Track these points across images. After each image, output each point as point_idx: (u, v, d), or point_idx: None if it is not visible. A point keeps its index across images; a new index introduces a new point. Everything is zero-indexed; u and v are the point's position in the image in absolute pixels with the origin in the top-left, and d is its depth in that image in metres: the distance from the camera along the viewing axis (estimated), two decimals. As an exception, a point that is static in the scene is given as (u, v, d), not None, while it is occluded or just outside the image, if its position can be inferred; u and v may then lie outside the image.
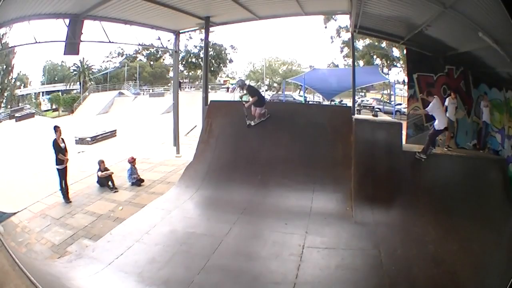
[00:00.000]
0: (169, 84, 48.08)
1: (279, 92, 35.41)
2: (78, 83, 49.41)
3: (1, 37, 16.40)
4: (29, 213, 12.92)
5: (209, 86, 29.01)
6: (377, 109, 28.91)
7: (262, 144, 13.75)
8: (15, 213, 12.74)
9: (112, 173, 15.55)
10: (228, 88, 43.44)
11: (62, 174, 13.93)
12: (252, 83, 37.02)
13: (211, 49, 46.28)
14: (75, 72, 49.99)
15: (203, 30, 20.09)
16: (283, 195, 12.26)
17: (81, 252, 10.08)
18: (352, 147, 12.59)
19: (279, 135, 13.68)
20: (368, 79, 25.77)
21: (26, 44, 15.84)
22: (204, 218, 11.94)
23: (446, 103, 13.68)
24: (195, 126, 23.16)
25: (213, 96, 33.34)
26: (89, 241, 10.89)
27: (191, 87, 46.69)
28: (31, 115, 39.62)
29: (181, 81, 46.91)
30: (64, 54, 16.06)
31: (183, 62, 49.88)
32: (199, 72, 48.70)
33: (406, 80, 17.51)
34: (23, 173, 18.08)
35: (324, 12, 23.90)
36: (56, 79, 50.51)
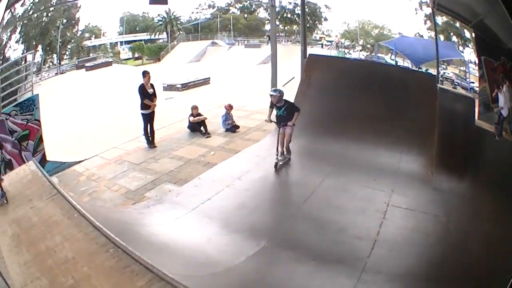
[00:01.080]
0: (264, 36, 47.86)
1: (372, 54, 34.98)
2: (164, 32, 49.57)
3: None
4: (100, 160, 12.85)
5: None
6: (456, 83, 28.33)
7: (357, 101, 13.23)
8: (80, 162, 12.72)
9: (206, 118, 15.35)
10: (322, 44, 43.11)
11: (147, 119, 13.87)
12: (347, 42, 36.63)
13: (306, 7, 45.90)
14: (160, 23, 50.27)
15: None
16: (374, 152, 11.97)
17: (162, 197, 10.09)
18: (436, 114, 12.06)
19: (372, 95, 13.14)
20: (448, 53, 25.31)
21: None
22: (298, 167, 11.79)
23: (504, 89, 13.37)
24: (293, 77, 22.05)
25: (310, 51, 33.40)
26: (173, 186, 10.76)
27: (287, 41, 46.33)
28: (107, 64, 38.13)
29: (269, 35, 47.00)
30: (150, 3, 16.14)
31: (278, 17, 49.00)
32: (294, 27, 48.48)
33: (477, 61, 17.08)
34: (98, 122, 17.78)
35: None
36: (137, 29, 50.15)
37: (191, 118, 15.10)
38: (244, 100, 20.92)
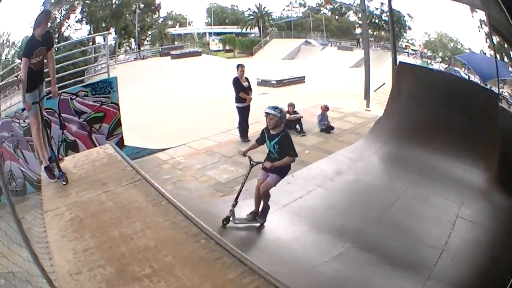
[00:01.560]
0: (355, 40, 47.61)
1: (450, 66, 34.71)
2: (256, 27, 49.60)
3: None
4: (188, 149, 13.19)
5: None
6: (511, 103, 27.92)
7: (440, 112, 13.20)
8: (163, 150, 13.01)
9: (302, 116, 15.57)
10: (408, 52, 42.84)
11: (242, 112, 14.07)
12: (429, 53, 36.47)
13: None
14: (251, 17, 50.29)
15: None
16: (452, 164, 11.98)
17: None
18: (497, 134, 11.74)
19: (453, 108, 13.10)
20: (503, 72, 25.23)
21: None
22: (386, 173, 12.12)
23: None
24: (384, 83, 22.45)
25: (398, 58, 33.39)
26: None
27: (377, 47, 46.01)
28: (196, 54, 39.21)
29: (358, 38, 46.75)
30: None
31: (367, 22, 49.08)
32: (382, 33, 48.18)
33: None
34: (185, 111, 18.25)
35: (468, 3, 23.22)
36: (226, 21, 50.14)
37: (288, 116, 15.11)
38: (338, 102, 21.07)
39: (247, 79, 14.07)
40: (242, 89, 13.74)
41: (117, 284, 4.82)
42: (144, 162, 12.24)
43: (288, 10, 53.80)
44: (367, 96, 20.76)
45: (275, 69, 31.81)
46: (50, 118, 10.21)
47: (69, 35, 38.45)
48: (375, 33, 49.29)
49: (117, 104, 12.76)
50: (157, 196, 6.35)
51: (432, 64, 28.73)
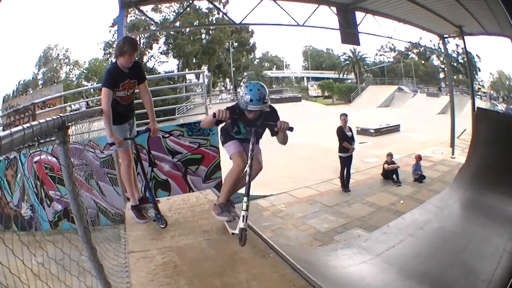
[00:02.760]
0: (439, 85, 47.43)
1: (508, 106, 34.33)
2: (352, 73, 49.93)
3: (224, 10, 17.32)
4: (289, 198, 13.72)
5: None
6: None
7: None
8: (264, 196, 13.53)
9: (399, 167, 16.42)
10: (480, 96, 42.45)
11: (345, 162, 14.68)
12: (493, 93, 36.22)
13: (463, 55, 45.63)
14: (347, 62, 50.63)
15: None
16: (505, 201, 12.13)
17: (351, 241, 10.95)
18: None
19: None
20: None
21: (285, 25, 17.64)
22: (463, 218, 12.37)
23: None
24: (465, 129, 23.13)
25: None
26: (362, 231, 11.64)
27: (456, 91, 45.69)
28: (296, 99, 40.83)
29: (440, 85, 46.70)
30: (343, 42, 17.79)
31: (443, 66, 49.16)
32: (460, 76, 47.92)
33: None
34: (286, 158, 18.22)
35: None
36: (323, 66, 50.98)
37: (386, 166, 16.15)
38: (428, 151, 21.72)
39: (350, 129, 14.83)
40: (346, 139, 14.39)
41: None
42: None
43: (380, 54, 54.04)
44: (452, 143, 21.56)
45: (373, 117, 32.71)
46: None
47: (153, 67, 40.81)
48: (454, 77, 48.90)
49: (217, 148, 12.70)
50: (265, 248, 5.86)
51: (497, 105, 28.69)
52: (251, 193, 9.62)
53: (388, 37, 19.04)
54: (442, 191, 14.36)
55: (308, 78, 49.12)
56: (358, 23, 16.88)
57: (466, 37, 20.98)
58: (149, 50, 40.90)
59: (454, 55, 42.42)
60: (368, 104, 42.75)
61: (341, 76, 49.47)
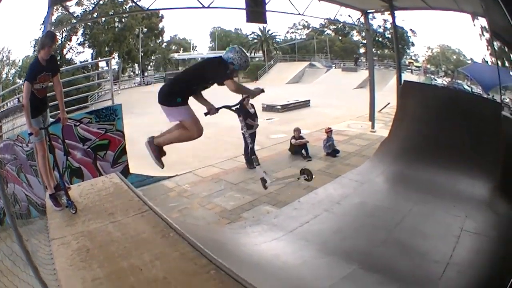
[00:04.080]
0: (359, 60, 47.87)
1: (453, 80, 35.01)
2: (260, 51, 49.76)
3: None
4: (194, 177, 13.41)
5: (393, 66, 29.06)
6: (512, 110, 28.14)
7: (446, 129, 13.34)
8: (169, 177, 13.23)
9: (307, 141, 15.88)
10: (412, 70, 43.19)
11: (249, 139, 13.77)
12: (432, 68, 36.84)
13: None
14: (255, 41, 50.52)
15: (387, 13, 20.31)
16: (457, 179, 12.09)
17: (260, 218, 10.44)
18: (499, 142, 11.99)
19: (457, 123, 13.15)
20: (506, 79, 25.56)
21: (190, 7, 16.61)
22: (392, 193, 11.89)
23: None
24: (388, 103, 23.22)
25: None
26: (271, 208, 11.12)
27: (380, 66, 46.16)
28: None
29: (357, 56, 47.13)
30: (248, 21, 16.39)
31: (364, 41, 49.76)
32: (385, 51, 48.50)
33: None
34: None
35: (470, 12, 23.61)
36: (230, 45, 50.29)
37: (293, 141, 15.59)
38: (343, 125, 21.51)
39: (252, 106, 14.36)
40: (248, 116, 13.89)
41: None
42: (150, 190, 12.45)
43: (292, 32, 54.26)
44: (372, 117, 21.15)
45: (280, 94, 32.24)
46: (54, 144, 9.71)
47: (71, 58, 42.13)
48: (378, 51, 49.74)
49: (122, 132, 12.98)
50: (165, 227, 6.27)
51: (435, 80, 28.88)
52: (156, 175, 12.65)
53: (299, 14, 18.45)
54: (360, 165, 13.90)
55: None
56: (266, 2, 16.28)
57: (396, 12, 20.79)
58: (68, 43, 41.78)
59: (381, 30, 42.87)
60: (276, 81, 43.32)
61: (248, 55, 49.02)
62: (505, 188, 10.93)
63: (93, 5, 35.72)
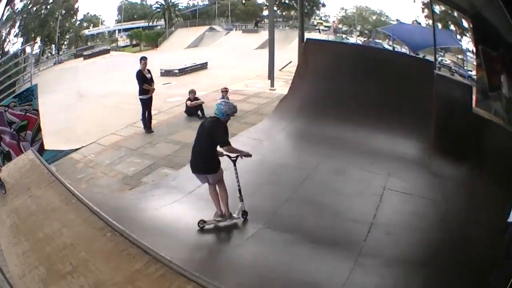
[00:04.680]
0: (261, 22, 47.93)
1: (370, 39, 35.20)
2: (162, 19, 49.49)
3: None
4: (97, 147, 13.16)
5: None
6: (453, 70, 28.51)
7: (354, 85, 13.37)
8: (77, 149, 13.02)
9: (203, 102, 15.55)
10: (319, 29, 43.21)
11: (146, 104, 14.15)
12: (345, 28, 37.16)
13: (304, -8, 46.65)
14: (158, 10, 50.16)
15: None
16: (371, 136, 12.18)
17: (159, 181, 10.37)
18: (432, 99, 12.34)
19: (369, 80, 13.29)
20: (446, 41, 25.88)
21: None
22: (295, 150, 12.22)
23: (502, 79, 13.51)
24: (290, 62, 22.10)
25: (308, 36, 33.47)
26: (170, 170, 11.04)
27: (285, 26, 46.19)
28: (105, 52, 39.29)
29: (258, 20, 47.19)
30: None
31: (276, 2, 49.46)
32: (292, 12, 48.65)
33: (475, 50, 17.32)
34: (96, 109, 17.97)
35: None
36: (135, 17, 50.19)
37: (188, 103, 15.34)
38: (241, 84, 21.39)
39: (149, 71, 14.30)
40: (145, 81, 13.96)
41: (50, 283, 5.30)
42: (62, 163, 12.19)
43: None
44: (271, 75, 20.90)
45: (179, 58, 31.64)
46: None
47: (8, 50, 39.69)
48: (284, 13, 49.86)
49: (37, 111, 12.67)
50: (68, 195, 6.70)
51: (347, 39, 29.04)
52: (64, 148, 12.67)
53: None
54: (258, 123, 14.06)
55: (120, 30, 48.56)
56: None
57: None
58: (8, 37, 39.59)
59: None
60: (176, 46, 42.36)
61: (151, 24, 49.03)
62: (440, 147, 11.21)
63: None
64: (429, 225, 8.33)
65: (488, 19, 12.52)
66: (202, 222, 8.17)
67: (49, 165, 8.64)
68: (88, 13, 47.24)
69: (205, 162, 8.28)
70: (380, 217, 8.34)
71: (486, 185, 9.53)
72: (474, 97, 12.76)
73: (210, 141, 8.36)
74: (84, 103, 19.17)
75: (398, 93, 12.86)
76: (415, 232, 8.10)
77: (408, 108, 12.50)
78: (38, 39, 37.97)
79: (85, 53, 34.44)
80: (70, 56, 36.31)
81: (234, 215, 8.37)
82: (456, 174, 10.32)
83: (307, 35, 19.42)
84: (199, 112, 15.11)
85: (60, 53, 37.44)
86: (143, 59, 14.38)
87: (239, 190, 8.57)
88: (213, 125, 8.55)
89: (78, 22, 44.79)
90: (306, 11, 41.23)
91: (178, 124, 14.71)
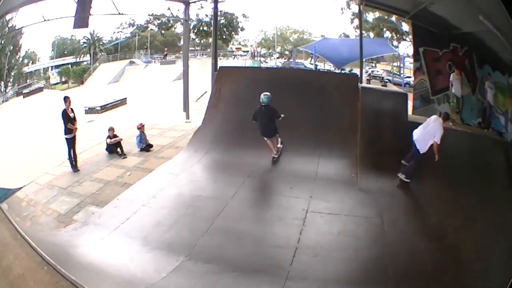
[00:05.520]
0: (180, 52, 48.08)
1: (290, 60, 35.50)
2: (88, 55, 49.26)
3: (6, 21, 16.73)
4: (35, 186, 13.31)
5: (221, 53, 28.88)
6: (386, 80, 28.97)
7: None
8: (20, 188, 13.13)
9: (121, 139, 16.00)
10: (235, 55, 43.54)
11: (71, 143, 14.39)
12: (264, 51, 37.25)
13: (222, 18, 46.66)
14: (85, 45, 49.89)
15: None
16: (290, 160, 12.74)
17: (87, 219, 10.65)
18: (358, 114, 12.68)
19: (287, 102, 13.81)
20: (377, 50, 26.21)
21: (35, 23, 16.99)
22: (211, 181, 12.68)
23: (451, 79, 13.88)
24: (205, 92, 22.72)
25: (225, 63, 33.49)
26: (95, 208, 11.40)
27: (202, 55, 46.29)
28: (39, 90, 38.17)
29: (166, 52, 47.45)
30: (74, 27, 17.06)
31: (195, 31, 49.56)
32: (210, 40, 48.62)
33: (413, 54, 17.68)
34: (31, 147, 18.05)
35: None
36: (65, 52, 49.66)
37: (108, 140, 15.84)
38: (158, 118, 21.72)
39: (72, 110, 14.60)
40: (69, 120, 14.26)
41: None
42: (12, 201, 12.42)
43: (119, 32, 53.70)
44: (186, 107, 21.48)
45: (102, 95, 32.43)
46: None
47: None
48: (203, 40, 50.10)
49: None
50: (15, 231, 7.06)
51: (266, 62, 29.22)
52: (11, 187, 12.83)
53: (120, 13, 18.59)
54: (174, 157, 14.68)
55: (52, 67, 48.32)
56: (91, 7, 16.32)
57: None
58: None
59: (208, 19, 42.96)
60: (99, 82, 42.49)
61: (78, 59, 48.71)
62: (366, 161, 11.69)
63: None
64: (362, 242, 8.75)
65: (437, 15, 12.96)
66: (273, 158, 13.19)
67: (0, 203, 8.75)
68: (28, 49, 47.00)
69: (268, 131, 13.13)
70: (305, 240, 8.77)
71: (428, 191, 10.43)
72: (410, 104, 13.22)
73: (271, 118, 12.96)
74: (25, 141, 18.94)
75: (319, 112, 13.52)
76: (345, 252, 8.50)
77: (331, 126, 13.08)
78: (-9, 76, 37.76)
79: (24, 91, 35.28)
80: (13, 94, 36.25)
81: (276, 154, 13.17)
82: (390, 187, 10.90)
83: (224, 62, 19.84)
84: (118, 149, 15.64)
85: (7, 90, 37.46)
86: (67, 99, 14.49)
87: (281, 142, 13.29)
88: (270, 108, 13.00)
89: (20, 59, 44.66)
90: (224, 37, 41.50)
91: (101, 162, 15.18)
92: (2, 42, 38.68)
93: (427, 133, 10.91)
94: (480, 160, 10.89)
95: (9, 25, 20.02)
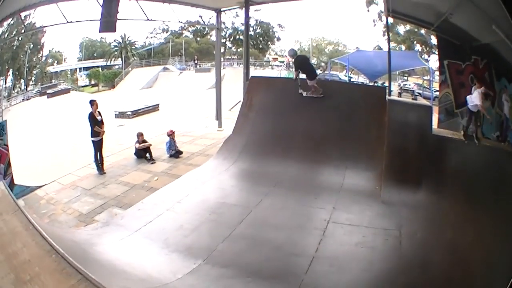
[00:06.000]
0: (196, 62, 48.18)
1: (325, 72, 35.36)
2: (120, 58, 49.44)
3: (22, 18, 16.88)
4: (57, 185, 13.51)
5: (257, 63, 28.93)
6: (417, 94, 28.78)
7: (300, 120, 14.08)
8: (40, 186, 13.37)
9: (150, 145, 16.13)
10: (272, 65, 43.46)
11: (97, 146, 14.53)
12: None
13: (258, 27, 46.76)
14: (116, 48, 50.09)
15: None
16: (316, 170, 12.53)
17: (109, 220, 10.68)
18: (385, 127, 12.43)
19: (316, 112, 13.96)
20: (407, 63, 26.14)
21: (57, 24, 16.77)
22: (237, 189, 12.33)
23: (473, 91, 13.78)
24: (239, 101, 22.63)
25: (261, 72, 33.40)
26: (119, 210, 11.44)
27: (239, 64, 46.33)
28: (66, 91, 40.24)
29: (196, 60, 47.49)
30: (100, 31, 16.80)
31: (231, 39, 49.88)
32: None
33: (438, 67, 17.51)
34: (56, 147, 18.85)
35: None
36: (95, 55, 50.53)
37: (137, 145, 15.98)
38: (190, 126, 21.98)
39: (99, 113, 14.67)
40: (96, 123, 14.39)
41: (18, 286, 5.91)
42: (29, 198, 12.57)
43: (152, 37, 54.02)
44: (218, 116, 21.72)
45: (134, 100, 33.27)
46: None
47: None
48: (239, 49, 50.24)
49: (7, 146, 12.82)
50: (27, 222, 7.11)
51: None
52: (31, 185, 13.18)
53: (148, 19, 18.70)
54: (203, 164, 14.59)
55: (80, 68, 48.72)
56: (118, 11, 16.41)
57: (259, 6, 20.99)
58: None
59: (243, 27, 43.18)
60: (131, 87, 43.79)
61: (109, 63, 49.78)
62: (391, 174, 11.42)
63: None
64: (378, 254, 8.50)
65: (457, 26, 12.83)
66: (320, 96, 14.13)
67: (14, 197, 8.48)
68: (52, 48, 47.30)
69: (316, 72, 14.88)
70: (323, 250, 8.57)
71: (448, 205, 10.00)
72: (435, 118, 13.10)
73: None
74: (48, 142, 19.97)
75: (346, 124, 13.26)
76: (360, 262, 8.24)
77: (357, 138, 12.87)
78: (10, 72, 38.17)
79: (49, 91, 36.80)
80: (36, 93, 36.50)
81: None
82: (412, 200, 10.57)
83: (260, 72, 19.78)
84: (147, 154, 15.79)
85: (28, 89, 37.65)
86: (93, 102, 14.61)
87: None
88: (304, 56, 16.68)
89: (44, 58, 44.93)
90: (261, 46, 41.57)
91: (128, 166, 15.36)
92: (19, 38, 39.28)
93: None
94: (497, 174, 10.32)
95: (25, 23, 20.20)
